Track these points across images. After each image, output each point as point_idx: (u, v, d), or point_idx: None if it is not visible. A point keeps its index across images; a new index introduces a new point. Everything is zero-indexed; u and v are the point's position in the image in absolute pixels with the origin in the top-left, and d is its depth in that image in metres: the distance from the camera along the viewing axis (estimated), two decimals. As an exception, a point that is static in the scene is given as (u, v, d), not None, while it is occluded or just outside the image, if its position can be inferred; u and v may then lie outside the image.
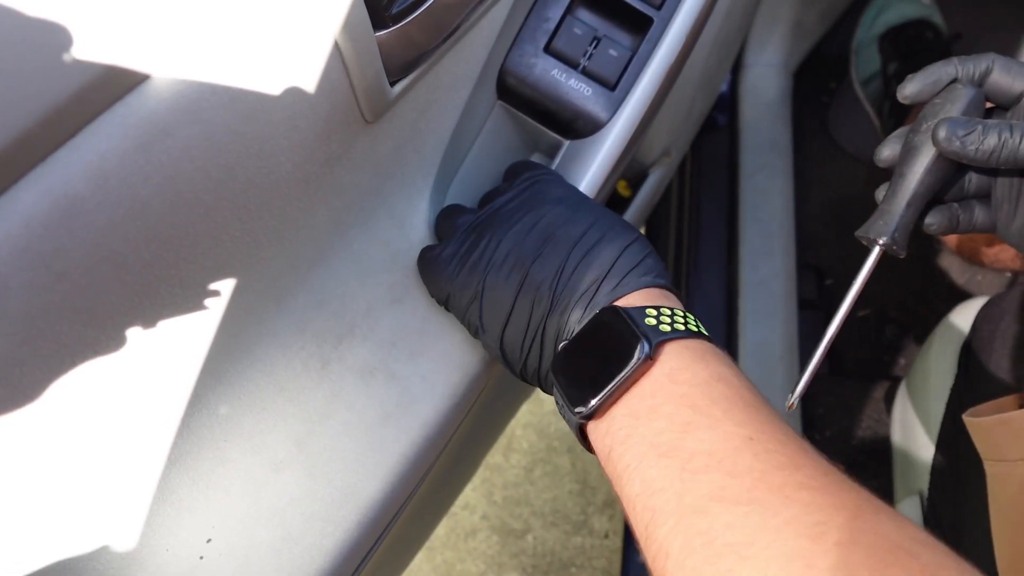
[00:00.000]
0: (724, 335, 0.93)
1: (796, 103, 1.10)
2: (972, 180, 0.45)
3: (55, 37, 0.20)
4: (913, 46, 1.05)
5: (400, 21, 0.30)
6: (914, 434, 0.76)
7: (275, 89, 0.26)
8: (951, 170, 0.44)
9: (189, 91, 0.23)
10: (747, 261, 0.93)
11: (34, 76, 0.19)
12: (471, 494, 1.23)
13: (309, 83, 0.27)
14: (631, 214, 0.80)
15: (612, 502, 1.21)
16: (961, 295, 1.00)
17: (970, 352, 0.67)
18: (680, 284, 0.99)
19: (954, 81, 0.43)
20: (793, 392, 0.46)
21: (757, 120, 1.01)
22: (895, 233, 0.43)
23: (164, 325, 0.31)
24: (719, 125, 1.09)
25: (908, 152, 0.44)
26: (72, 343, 0.27)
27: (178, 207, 0.25)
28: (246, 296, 0.35)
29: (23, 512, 0.32)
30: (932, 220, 0.45)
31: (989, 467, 0.53)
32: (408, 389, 0.42)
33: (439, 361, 0.43)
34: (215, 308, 0.33)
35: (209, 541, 0.38)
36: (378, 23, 0.30)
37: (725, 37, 0.75)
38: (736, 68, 1.06)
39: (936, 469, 0.69)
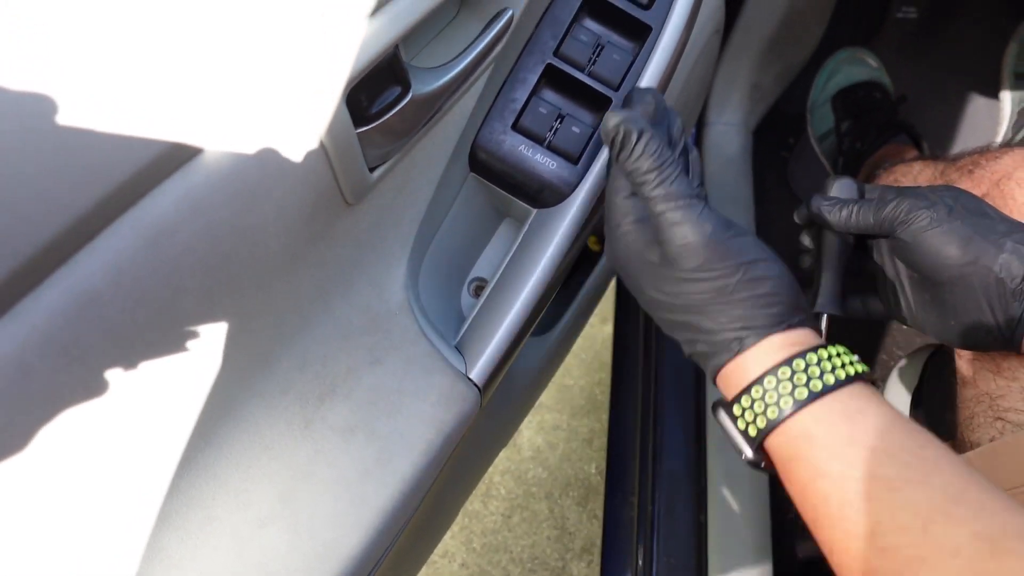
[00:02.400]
0: (693, 394, 0.96)
1: (757, 159, 1.15)
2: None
3: (75, 155, 0.23)
4: (863, 105, 1.11)
5: (379, 119, 0.34)
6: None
7: (268, 184, 0.30)
8: (851, 243, 0.54)
9: (193, 191, 0.26)
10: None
11: (58, 190, 0.22)
12: (450, 542, 1.24)
13: (297, 177, 0.31)
14: (601, 268, 0.84)
15: (590, 547, 1.22)
16: (918, 344, 1.04)
17: (919, 401, 0.71)
18: (651, 336, 1.02)
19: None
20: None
21: (719, 175, 1.06)
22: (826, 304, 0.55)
23: (161, 392, 0.34)
24: (685, 179, 1.15)
25: (819, 238, 0.56)
26: (80, 413, 0.29)
27: (180, 292, 0.28)
28: (235, 362, 0.37)
29: (14, 570, 0.34)
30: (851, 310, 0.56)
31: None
32: (387, 446, 0.45)
33: (416, 419, 0.46)
34: (207, 375, 0.35)
35: (197, 596, 0.40)
36: (359, 121, 0.33)
37: (684, 103, 0.80)
38: (699, 126, 1.12)
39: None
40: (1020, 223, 0.48)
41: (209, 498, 0.41)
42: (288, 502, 0.43)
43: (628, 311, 1.10)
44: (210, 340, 0.33)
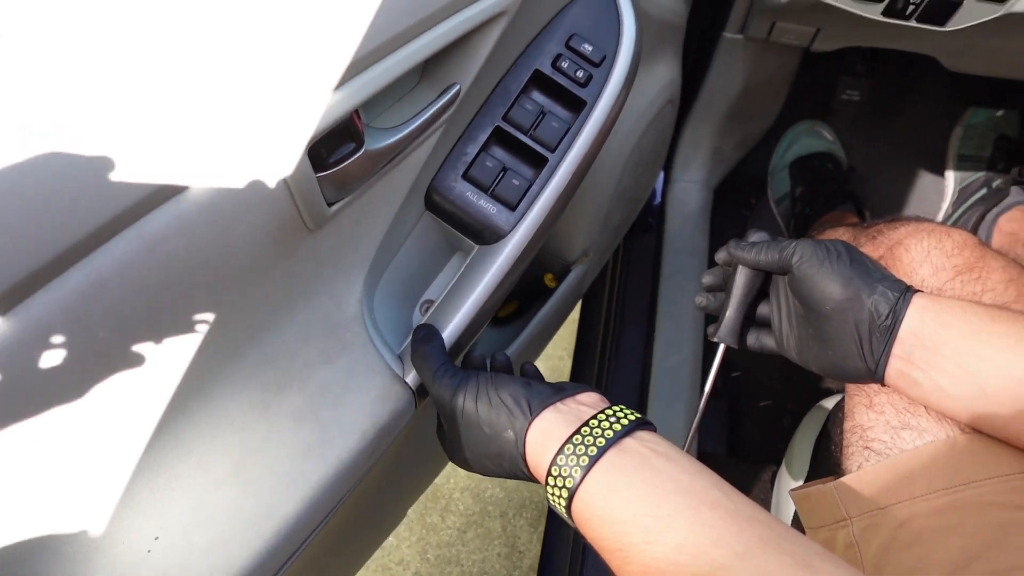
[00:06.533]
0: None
1: (720, 216, 1.25)
2: (760, 312, 0.64)
3: (100, 183, 0.33)
4: (816, 174, 1.22)
5: (336, 167, 0.44)
6: (783, 512, 0.88)
7: (242, 211, 0.39)
8: (756, 284, 0.63)
9: (183, 214, 0.36)
10: (660, 350, 1.06)
11: (87, 207, 0.32)
12: (407, 550, 1.31)
13: (265, 207, 0.40)
14: (554, 300, 0.93)
15: (536, 566, 1.29)
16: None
17: (819, 443, 0.80)
18: (604, 367, 1.11)
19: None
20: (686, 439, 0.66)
21: (679, 228, 1.16)
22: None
23: (144, 366, 0.43)
24: (652, 227, 1.25)
25: (728, 278, 0.65)
26: (85, 378, 0.39)
27: (165, 287, 0.37)
28: (210, 349, 0.46)
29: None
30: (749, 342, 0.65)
31: (808, 535, 0.65)
32: (328, 431, 0.53)
33: (356, 411, 0.55)
34: (184, 356, 0.44)
35: (156, 539, 0.48)
36: (319, 167, 0.43)
37: (637, 161, 0.90)
38: (665, 182, 1.22)
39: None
40: (891, 275, 0.57)
41: (176, 460, 0.49)
42: (242, 470, 0.51)
43: (587, 346, 1.19)
44: (190, 328, 0.43)
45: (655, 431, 0.52)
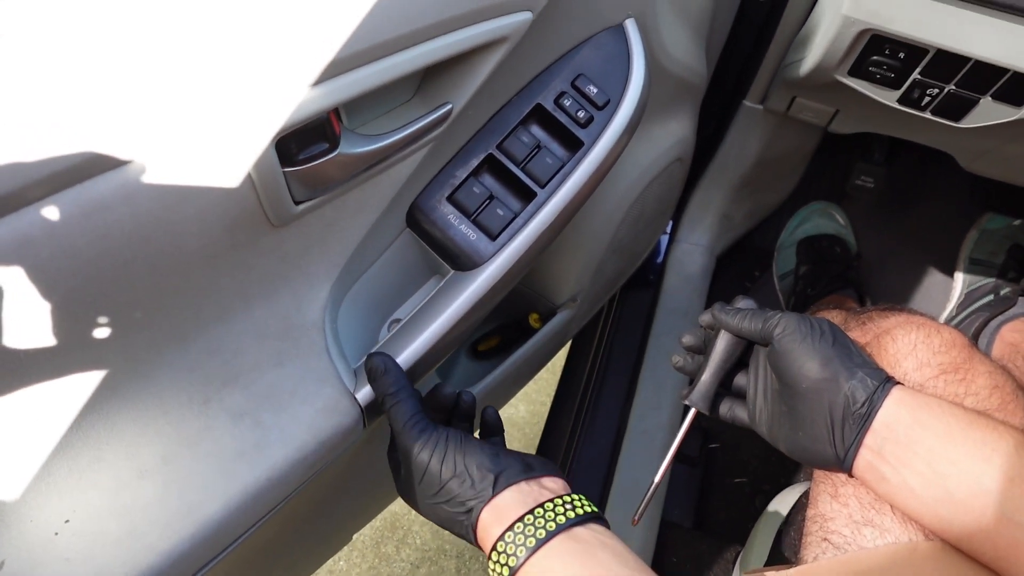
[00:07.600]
0: (603, 475, 1.02)
1: (718, 283, 1.23)
2: (737, 382, 0.62)
3: (44, 138, 0.32)
4: (823, 255, 1.20)
5: (305, 164, 0.43)
6: (740, 594, 0.84)
7: (195, 194, 0.38)
8: (736, 351, 0.61)
9: (129, 184, 0.35)
10: (637, 411, 1.03)
11: (20, 159, 0.31)
12: (356, 578, 1.27)
13: (222, 193, 0.39)
14: (535, 341, 0.91)
15: (485, 614, 1.25)
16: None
17: (784, 528, 0.77)
18: (580, 419, 1.09)
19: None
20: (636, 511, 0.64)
21: (676, 288, 1.14)
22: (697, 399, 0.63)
23: (76, 338, 0.41)
24: (651, 284, 1.23)
25: (709, 342, 0.63)
26: (5, 337, 0.37)
27: (102, 256, 0.36)
28: (148, 331, 0.45)
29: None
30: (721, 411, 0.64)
31: (757, 619, 0.62)
32: (266, 436, 0.52)
33: (298, 420, 0.53)
34: (120, 333, 0.43)
35: (67, 522, 0.46)
36: (287, 162, 0.42)
37: (638, 215, 0.89)
38: (669, 242, 1.21)
39: (743, 626, 0.77)
40: (873, 362, 0.55)
41: (103, 441, 0.48)
42: (170, 462, 0.49)
43: (567, 395, 1.16)
44: (127, 303, 0.41)
45: (608, 527, 0.52)
